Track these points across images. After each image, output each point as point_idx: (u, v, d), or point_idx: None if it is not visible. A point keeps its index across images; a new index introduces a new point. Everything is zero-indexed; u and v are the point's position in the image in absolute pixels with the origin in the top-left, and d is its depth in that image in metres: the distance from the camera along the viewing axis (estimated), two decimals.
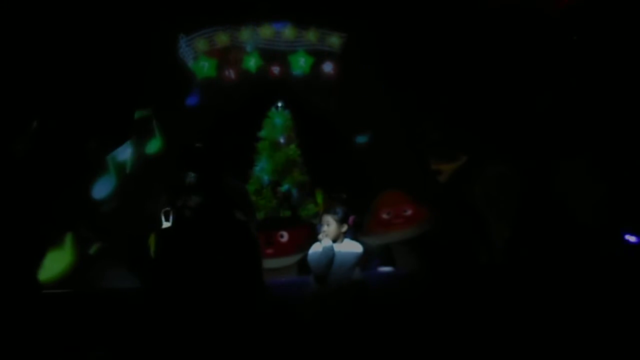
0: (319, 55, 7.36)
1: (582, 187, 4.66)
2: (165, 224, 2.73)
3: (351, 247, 3.37)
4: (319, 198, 7.26)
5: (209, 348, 2.55)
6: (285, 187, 7.08)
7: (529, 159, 5.21)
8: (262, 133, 7.49)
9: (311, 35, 7.28)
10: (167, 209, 2.73)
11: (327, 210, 3.41)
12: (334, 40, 7.35)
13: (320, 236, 3.37)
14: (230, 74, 7.25)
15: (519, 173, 5.25)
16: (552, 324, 3.44)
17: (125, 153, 6.82)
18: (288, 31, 7.27)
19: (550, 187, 4.83)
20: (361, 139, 7.19)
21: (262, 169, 7.31)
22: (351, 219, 3.45)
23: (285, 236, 6.32)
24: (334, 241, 3.32)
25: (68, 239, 5.97)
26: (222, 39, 7.20)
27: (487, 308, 3.84)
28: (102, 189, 6.54)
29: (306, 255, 3.36)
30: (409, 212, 6.31)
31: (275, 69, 7.33)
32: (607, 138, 5.05)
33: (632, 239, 5.44)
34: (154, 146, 6.96)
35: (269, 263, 6.33)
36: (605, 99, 5.37)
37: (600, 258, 4.30)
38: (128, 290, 5.54)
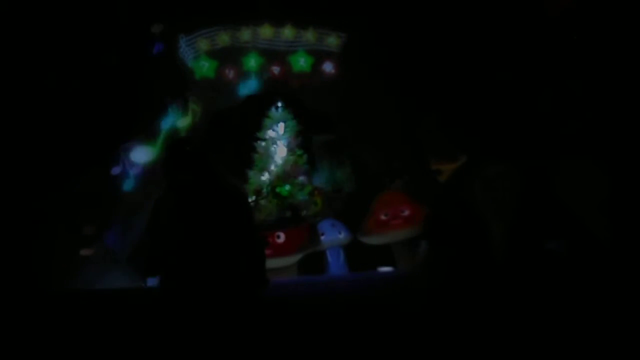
0: (318, 55, 7.37)
1: (584, 187, 4.66)
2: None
3: None
4: (318, 198, 7.27)
5: (209, 345, 2.55)
6: (286, 187, 7.06)
7: (529, 159, 5.21)
8: (262, 133, 7.50)
9: (310, 35, 7.29)
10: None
11: None
12: (332, 41, 7.36)
13: None
14: (230, 74, 7.27)
15: (519, 173, 5.25)
16: (552, 324, 3.44)
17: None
18: (287, 31, 7.28)
19: (550, 187, 4.83)
20: None
21: (263, 171, 7.32)
22: None
23: (281, 237, 6.30)
24: None
25: None
26: (223, 38, 7.21)
27: (487, 308, 3.84)
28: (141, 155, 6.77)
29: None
30: (407, 213, 6.32)
31: (275, 69, 7.34)
32: (608, 137, 5.05)
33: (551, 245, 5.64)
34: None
35: (268, 263, 6.31)
36: (605, 98, 5.37)
37: (600, 258, 4.30)
38: (128, 290, 5.56)
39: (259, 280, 2.87)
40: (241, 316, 2.64)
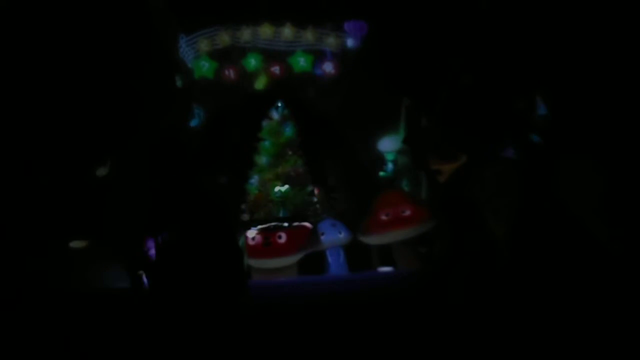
0: (318, 55, 7.38)
1: (584, 186, 4.66)
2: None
3: None
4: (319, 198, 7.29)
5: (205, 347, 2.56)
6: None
7: (528, 159, 5.22)
8: (263, 133, 7.51)
9: (309, 35, 7.30)
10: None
11: None
12: (332, 41, 7.38)
13: None
14: (231, 74, 7.28)
15: (519, 173, 5.25)
16: (552, 324, 3.44)
17: None
18: (287, 31, 7.29)
19: (550, 187, 4.83)
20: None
21: (262, 167, 7.35)
22: None
23: (283, 237, 6.32)
24: None
25: None
26: (223, 39, 7.22)
27: (487, 308, 3.84)
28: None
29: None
30: (408, 213, 6.31)
31: (275, 69, 7.35)
32: (608, 136, 5.05)
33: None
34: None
35: (268, 263, 6.34)
36: (604, 96, 5.37)
37: (601, 258, 4.30)
38: (128, 290, 5.56)
39: (238, 283, 2.82)
40: (238, 315, 2.63)
